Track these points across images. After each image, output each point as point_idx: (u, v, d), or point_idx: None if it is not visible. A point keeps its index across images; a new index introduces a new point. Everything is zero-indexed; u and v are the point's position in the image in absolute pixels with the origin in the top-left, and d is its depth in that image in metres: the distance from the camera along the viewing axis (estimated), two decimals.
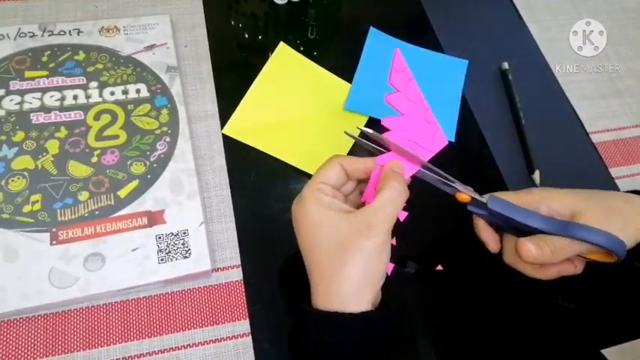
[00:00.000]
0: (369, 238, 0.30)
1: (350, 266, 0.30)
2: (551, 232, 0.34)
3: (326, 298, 0.31)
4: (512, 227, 0.36)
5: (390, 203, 0.32)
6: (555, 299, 0.44)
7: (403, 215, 0.34)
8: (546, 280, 0.36)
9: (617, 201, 0.36)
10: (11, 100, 0.44)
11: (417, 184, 0.35)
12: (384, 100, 0.35)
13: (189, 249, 0.40)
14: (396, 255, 0.33)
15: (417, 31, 0.58)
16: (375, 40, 0.55)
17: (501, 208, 0.34)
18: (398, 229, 0.33)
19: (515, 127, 0.53)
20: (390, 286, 0.33)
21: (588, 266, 0.37)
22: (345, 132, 0.36)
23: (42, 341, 0.37)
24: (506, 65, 0.56)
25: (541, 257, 0.33)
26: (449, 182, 0.35)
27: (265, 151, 0.47)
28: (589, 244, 0.33)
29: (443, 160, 0.40)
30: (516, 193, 0.36)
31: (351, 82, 0.52)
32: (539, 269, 0.36)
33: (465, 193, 0.35)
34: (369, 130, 0.33)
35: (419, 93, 0.36)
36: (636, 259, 0.35)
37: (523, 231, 0.35)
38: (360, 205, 0.34)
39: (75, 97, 0.45)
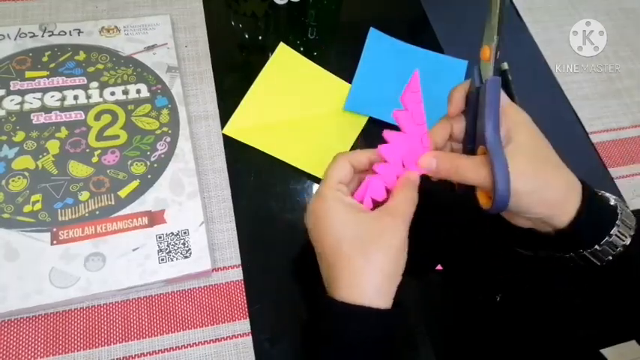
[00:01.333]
0: (395, 233, 0.32)
1: (382, 260, 0.31)
2: (488, 142, 0.32)
3: (351, 291, 0.31)
4: (473, 115, 0.35)
5: (408, 200, 0.34)
6: (555, 299, 0.44)
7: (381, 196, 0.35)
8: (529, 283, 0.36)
9: (555, 162, 0.34)
10: (12, 100, 0.44)
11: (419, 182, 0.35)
12: (392, 115, 0.36)
13: (190, 249, 0.40)
14: None
15: (417, 31, 0.58)
16: (375, 40, 0.55)
17: (492, 92, 0.33)
18: None
19: None
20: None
21: (588, 266, 0.37)
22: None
23: (42, 341, 0.37)
24: (505, 65, 0.56)
25: (434, 173, 0.35)
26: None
27: (265, 151, 0.47)
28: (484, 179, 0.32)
29: None
30: (510, 105, 0.35)
31: (350, 83, 0.52)
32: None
33: (490, 50, 0.34)
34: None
35: (423, 116, 0.36)
36: (572, 245, 0.34)
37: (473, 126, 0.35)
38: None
39: (75, 98, 0.45)
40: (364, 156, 0.35)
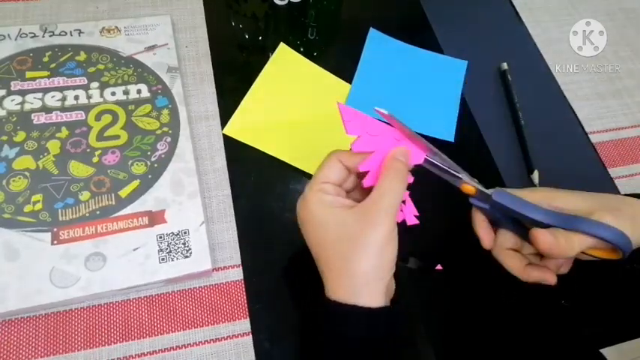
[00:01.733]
0: (375, 228, 0.30)
1: (360, 260, 0.30)
2: (556, 226, 0.33)
3: (338, 292, 0.31)
4: (511, 222, 0.36)
5: (390, 190, 0.32)
6: (555, 299, 0.44)
7: (413, 220, 0.34)
8: (528, 283, 0.36)
9: (621, 202, 0.36)
10: (12, 100, 0.44)
11: (419, 182, 0.35)
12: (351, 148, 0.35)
13: (190, 249, 0.40)
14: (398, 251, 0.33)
15: (417, 31, 0.58)
16: (375, 40, 0.55)
17: (506, 201, 0.34)
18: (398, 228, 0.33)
19: (514, 127, 0.53)
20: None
21: (588, 267, 0.37)
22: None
23: (43, 340, 0.38)
24: (505, 66, 0.56)
25: (555, 247, 0.33)
26: (455, 172, 0.35)
27: (265, 151, 0.47)
28: (597, 239, 0.33)
29: None
30: (520, 190, 0.36)
31: (350, 83, 0.52)
32: (522, 269, 0.36)
33: (470, 185, 0.35)
34: (384, 111, 0.33)
35: (377, 125, 0.35)
36: (636, 261, 0.35)
37: (523, 227, 0.35)
38: (362, 200, 0.34)
39: (76, 98, 0.45)
40: (360, 158, 0.34)
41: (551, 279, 0.36)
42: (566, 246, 0.33)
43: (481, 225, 0.37)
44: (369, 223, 0.31)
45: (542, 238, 0.33)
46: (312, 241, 0.33)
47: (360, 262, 0.30)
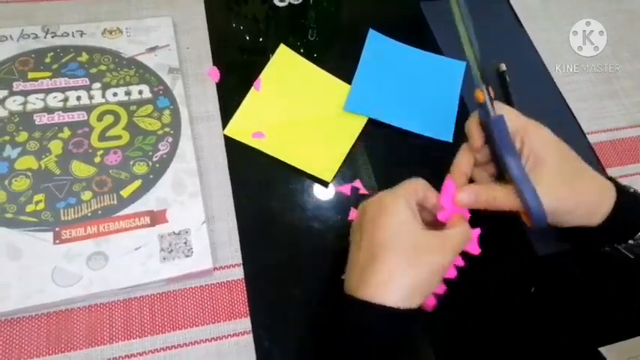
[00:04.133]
0: (444, 255, 0.34)
1: (420, 271, 0.33)
2: (512, 174, 0.35)
3: (381, 290, 0.32)
4: (491, 139, 0.37)
5: (460, 233, 0.35)
6: (556, 299, 0.44)
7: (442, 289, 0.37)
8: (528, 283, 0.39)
9: (585, 181, 0.37)
10: (15, 100, 0.44)
11: None
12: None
13: (191, 248, 0.41)
14: None
15: (416, 33, 0.58)
16: (375, 42, 0.56)
17: (498, 131, 0.36)
18: None
19: None
20: None
21: (588, 267, 0.37)
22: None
23: (45, 339, 0.38)
24: (503, 67, 0.56)
25: (469, 204, 0.37)
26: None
27: (266, 152, 0.47)
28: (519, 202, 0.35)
29: (441, 160, 0.41)
30: (527, 121, 0.37)
31: (350, 84, 0.53)
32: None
33: (482, 93, 0.36)
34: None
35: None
36: (606, 241, 0.36)
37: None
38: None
39: (78, 98, 0.46)
40: (434, 196, 0.37)
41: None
42: (485, 204, 0.37)
43: (474, 125, 0.39)
44: (439, 249, 0.34)
45: (462, 197, 0.37)
46: (380, 231, 0.34)
47: (421, 274, 0.33)
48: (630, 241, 0.36)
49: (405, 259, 0.33)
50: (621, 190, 0.37)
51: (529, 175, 0.35)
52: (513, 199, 0.36)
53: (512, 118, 0.37)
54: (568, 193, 0.36)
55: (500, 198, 0.36)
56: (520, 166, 0.35)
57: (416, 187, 0.37)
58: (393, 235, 0.33)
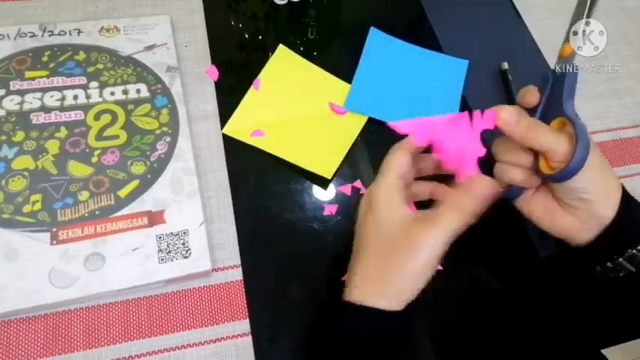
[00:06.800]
0: (426, 249, 0.31)
1: (403, 270, 0.32)
2: (563, 116, 0.34)
3: (362, 290, 0.32)
4: (545, 107, 0.37)
5: (453, 213, 0.32)
6: (555, 299, 0.44)
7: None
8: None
9: (608, 176, 0.36)
10: (11, 100, 0.44)
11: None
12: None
13: (190, 249, 0.40)
14: None
15: (417, 31, 0.58)
16: (375, 40, 0.55)
17: (570, 78, 0.37)
18: None
19: None
20: None
21: (588, 265, 0.37)
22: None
23: (42, 341, 0.37)
24: (505, 65, 0.56)
25: (509, 125, 0.33)
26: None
27: (265, 150, 0.47)
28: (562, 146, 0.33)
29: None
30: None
31: (350, 83, 0.52)
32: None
33: (570, 47, 0.38)
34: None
35: (428, 123, 0.36)
36: (597, 261, 0.35)
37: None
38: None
39: (75, 97, 0.45)
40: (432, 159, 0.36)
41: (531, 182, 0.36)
42: (522, 130, 0.33)
43: (533, 88, 0.37)
44: (422, 242, 0.31)
45: (504, 113, 0.34)
46: (365, 230, 0.34)
47: (404, 274, 0.32)
48: (620, 259, 0.35)
49: (381, 261, 0.32)
50: (625, 190, 0.36)
51: None
52: (557, 135, 0.32)
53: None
54: (599, 153, 0.34)
55: (543, 129, 0.33)
56: (579, 119, 0.34)
57: (399, 163, 0.34)
58: (372, 236, 0.33)
